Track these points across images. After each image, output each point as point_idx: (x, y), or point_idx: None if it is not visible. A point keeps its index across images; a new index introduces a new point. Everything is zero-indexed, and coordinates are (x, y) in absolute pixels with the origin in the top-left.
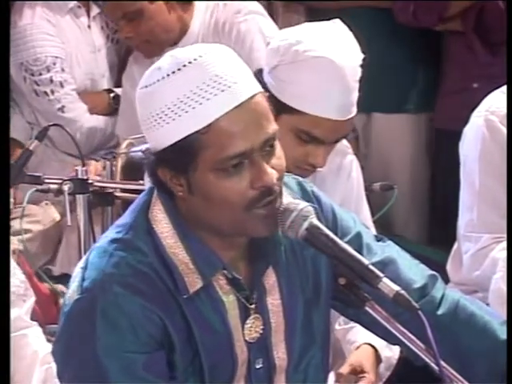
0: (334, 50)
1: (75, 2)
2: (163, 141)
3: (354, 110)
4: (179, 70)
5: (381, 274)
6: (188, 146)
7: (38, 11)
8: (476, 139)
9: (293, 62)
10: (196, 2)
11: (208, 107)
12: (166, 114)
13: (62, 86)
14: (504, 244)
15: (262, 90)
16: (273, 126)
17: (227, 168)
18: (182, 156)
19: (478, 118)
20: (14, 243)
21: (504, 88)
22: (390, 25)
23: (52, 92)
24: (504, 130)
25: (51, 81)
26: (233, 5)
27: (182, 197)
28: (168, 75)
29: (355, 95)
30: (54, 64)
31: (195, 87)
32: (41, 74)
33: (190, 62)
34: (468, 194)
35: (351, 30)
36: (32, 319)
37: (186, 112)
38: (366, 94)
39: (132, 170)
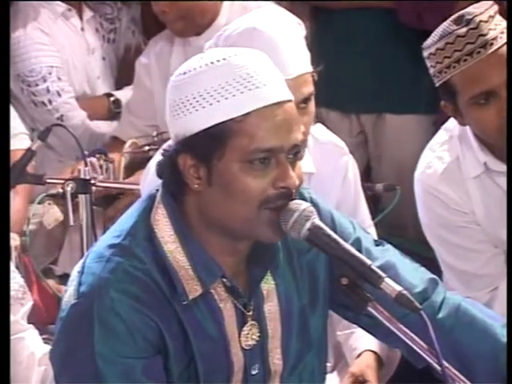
0: (255, 21)
1: (66, 5)
2: (196, 125)
3: (303, 67)
4: (224, 59)
5: (383, 275)
6: (220, 132)
7: (30, 22)
8: (418, 201)
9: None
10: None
11: (249, 97)
12: (203, 98)
13: (59, 95)
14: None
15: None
16: (301, 136)
17: (253, 161)
18: (210, 142)
19: (416, 176)
20: (15, 239)
21: (430, 144)
22: (399, 25)
23: (50, 102)
24: (439, 186)
25: (48, 91)
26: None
27: (197, 190)
28: (212, 63)
29: (297, 52)
30: (50, 74)
31: (238, 76)
32: (37, 85)
33: (235, 55)
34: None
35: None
36: (34, 318)
37: (226, 98)
38: (375, 95)
39: (135, 170)
